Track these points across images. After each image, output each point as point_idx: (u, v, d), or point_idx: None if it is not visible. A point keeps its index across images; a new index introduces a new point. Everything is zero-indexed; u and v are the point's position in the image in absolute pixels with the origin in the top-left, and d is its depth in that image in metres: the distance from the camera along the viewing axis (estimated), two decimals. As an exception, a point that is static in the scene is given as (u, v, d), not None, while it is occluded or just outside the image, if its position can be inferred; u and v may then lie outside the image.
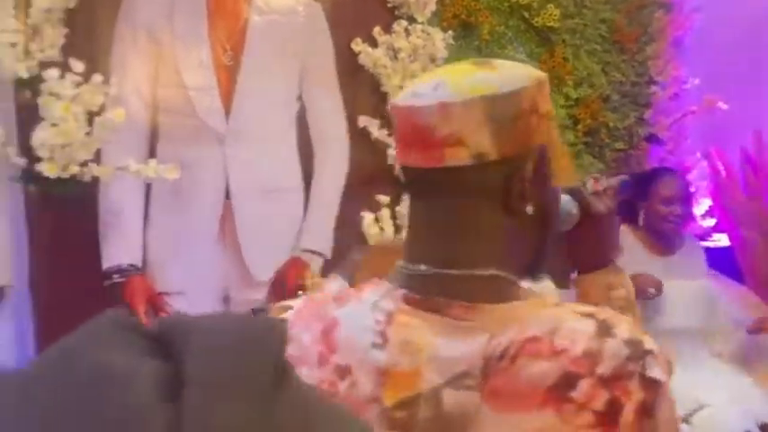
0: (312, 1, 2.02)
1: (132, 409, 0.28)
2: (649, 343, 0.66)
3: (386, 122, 2.18)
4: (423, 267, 0.70)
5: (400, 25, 2.22)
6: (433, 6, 2.28)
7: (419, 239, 0.73)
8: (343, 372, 0.69)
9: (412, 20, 2.25)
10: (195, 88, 1.86)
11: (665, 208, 2.28)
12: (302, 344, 0.72)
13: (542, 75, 0.73)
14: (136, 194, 1.86)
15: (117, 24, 1.86)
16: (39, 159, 1.69)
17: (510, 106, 0.69)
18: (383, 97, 2.21)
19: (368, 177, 2.12)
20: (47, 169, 1.69)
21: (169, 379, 0.29)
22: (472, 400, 0.65)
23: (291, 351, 0.67)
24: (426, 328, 0.68)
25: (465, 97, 0.68)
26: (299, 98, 2.04)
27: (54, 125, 1.68)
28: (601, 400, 0.63)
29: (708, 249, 2.49)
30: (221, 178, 1.89)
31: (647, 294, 2.13)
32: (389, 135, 2.18)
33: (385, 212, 2.14)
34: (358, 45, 2.17)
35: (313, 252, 1.99)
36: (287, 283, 1.93)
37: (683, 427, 2.00)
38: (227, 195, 1.89)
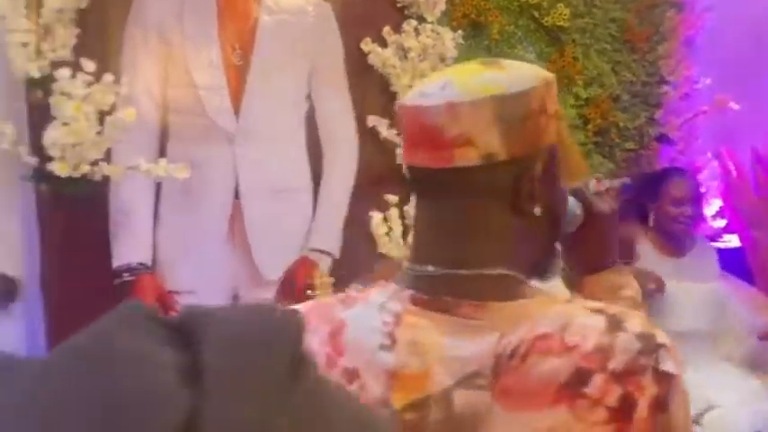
0: (322, 1, 2.03)
1: (152, 393, 0.28)
2: (661, 336, 0.66)
3: (395, 122, 2.18)
4: (430, 268, 0.70)
5: (410, 25, 2.22)
6: (442, 6, 2.28)
7: (426, 240, 0.72)
8: (352, 375, 0.69)
9: (421, 19, 2.25)
10: (205, 88, 1.87)
11: (675, 209, 2.27)
12: (310, 347, 0.72)
13: (550, 75, 0.73)
14: (146, 194, 1.87)
15: (128, 25, 1.87)
16: (50, 158, 1.71)
17: (519, 106, 0.68)
18: (392, 97, 2.21)
19: (377, 177, 2.12)
20: (58, 168, 1.70)
21: (188, 367, 0.29)
22: (483, 400, 0.64)
23: None
24: (434, 329, 0.68)
25: (474, 97, 0.68)
26: (309, 98, 2.04)
27: (65, 124, 1.69)
28: (614, 395, 0.62)
29: (718, 250, 2.47)
30: (231, 178, 1.89)
31: (646, 291, 2.12)
32: (398, 135, 2.18)
33: (393, 212, 2.14)
34: (367, 45, 2.17)
35: (322, 251, 2.00)
36: (296, 283, 1.94)
37: (694, 427, 1.99)
38: (237, 195, 1.90)
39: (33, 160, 1.73)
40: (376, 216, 2.14)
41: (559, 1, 2.75)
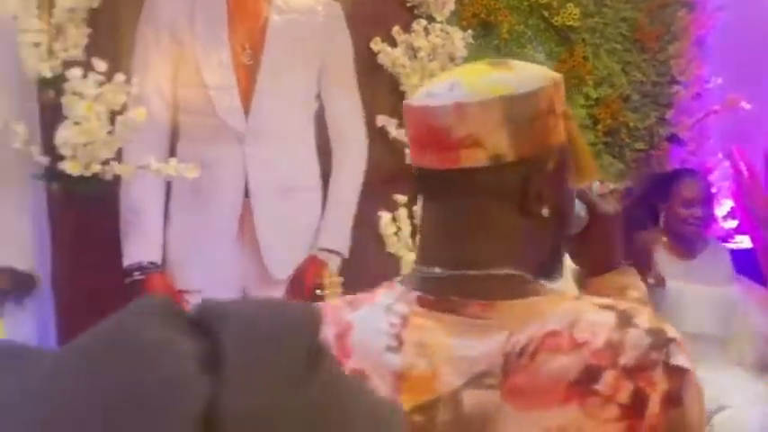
0: (332, 0, 2.03)
1: (173, 381, 0.29)
2: (671, 331, 0.65)
3: (404, 122, 2.18)
4: (437, 270, 0.69)
5: (419, 24, 2.22)
6: (452, 5, 2.28)
7: (433, 242, 0.72)
8: (359, 377, 0.69)
9: (431, 19, 2.25)
10: (215, 88, 1.87)
11: (685, 210, 2.26)
12: (326, 340, 0.72)
13: (558, 75, 0.72)
14: (156, 193, 1.88)
15: (139, 24, 1.88)
16: (62, 158, 1.72)
17: (528, 107, 0.68)
18: (402, 97, 2.21)
19: (386, 177, 2.12)
20: (69, 167, 1.71)
21: (207, 356, 0.30)
22: (493, 400, 0.64)
23: None
24: (442, 330, 0.68)
25: (482, 97, 0.67)
26: (318, 97, 2.04)
27: (77, 124, 1.70)
28: (625, 391, 0.62)
29: (730, 251, 2.45)
30: (240, 177, 1.90)
31: (647, 286, 2.11)
32: (407, 135, 2.18)
33: (402, 212, 2.14)
34: (377, 44, 2.17)
35: (331, 251, 2.00)
36: (305, 282, 1.94)
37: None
38: (246, 194, 1.91)
39: (45, 159, 1.74)
40: (385, 216, 2.14)
41: (569, 0, 2.74)
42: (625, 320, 0.65)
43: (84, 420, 0.28)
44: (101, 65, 1.73)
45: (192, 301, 1.87)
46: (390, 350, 0.68)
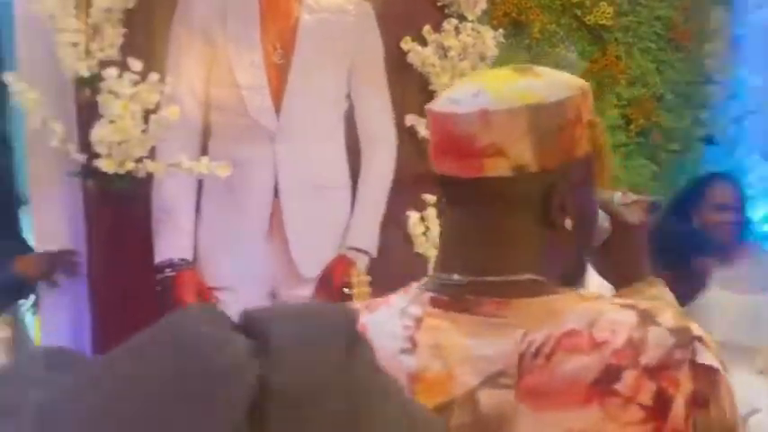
0: (362, 0, 2.04)
1: (227, 363, 0.32)
2: (697, 329, 0.63)
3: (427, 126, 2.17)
4: (456, 277, 0.69)
5: (450, 24, 2.21)
6: (483, 5, 2.26)
7: (453, 249, 0.71)
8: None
9: (462, 18, 2.24)
10: (247, 87, 1.89)
11: (718, 215, 2.21)
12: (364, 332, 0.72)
13: (585, 84, 0.71)
14: (188, 191, 1.91)
15: (173, 25, 1.91)
16: (97, 156, 1.75)
17: (555, 116, 0.67)
18: (431, 96, 2.21)
19: (414, 176, 2.12)
20: (104, 165, 1.75)
21: (254, 347, 0.33)
22: (508, 400, 0.63)
23: None
24: (456, 330, 0.67)
25: (509, 106, 0.66)
26: (348, 96, 2.05)
27: (112, 122, 1.73)
28: (648, 392, 0.60)
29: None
30: (271, 176, 1.91)
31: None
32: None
33: (431, 212, 2.14)
34: (407, 43, 2.17)
35: (359, 250, 2.01)
36: (333, 281, 1.95)
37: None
38: (277, 193, 1.92)
39: (81, 157, 1.78)
40: (413, 216, 2.14)
41: (603, -1, 2.71)
42: (647, 319, 0.63)
43: (145, 404, 0.31)
44: (136, 64, 1.76)
45: (223, 299, 1.89)
46: (405, 352, 0.68)
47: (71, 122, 1.81)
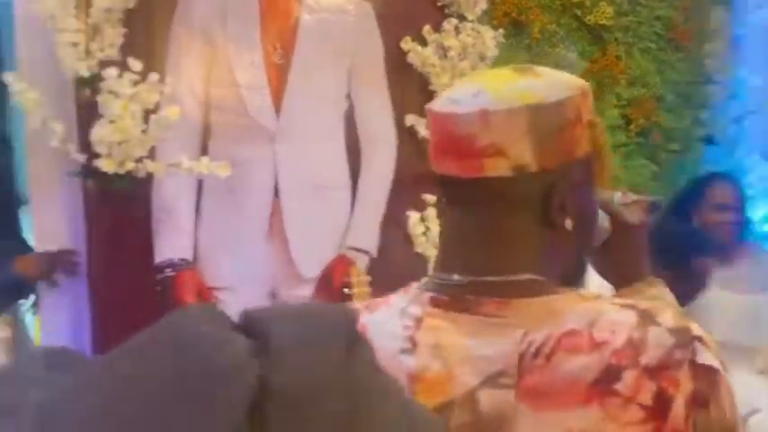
0: (362, 0, 2.04)
1: (228, 363, 0.32)
2: (697, 329, 0.63)
3: (427, 126, 2.17)
4: (456, 277, 0.69)
5: (450, 24, 2.21)
6: (483, 5, 2.26)
7: (453, 249, 0.71)
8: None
9: (462, 18, 2.24)
10: (247, 87, 1.89)
11: (717, 215, 2.21)
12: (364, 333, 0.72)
13: (586, 84, 0.71)
14: (188, 191, 1.91)
15: (173, 25, 1.91)
16: (97, 155, 1.75)
17: (555, 116, 0.67)
18: (431, 96, 2.20)
19: (415, 176, 2.12)
20: (104, 165, 1.75)
21: (254, 347, 0.33)
22: (508, 400, 0.63)
23: None
24: (456, 330, 0.67)
25: (508, 106, 0.66)
26: (348, 96, 2.05)
27: (112, 122, 1.73)
28: (648, 392, 0.60)
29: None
30: (271, 176, 1.91)
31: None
32: (437, 134, 2.17)
33: (431, 212, 2.14)
34: (407, 44, 2.17)
35: (359, 250, 2.01)
36: (333, 281, 1.95)
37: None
38: (276, 193, 1.92)
39: (81, 157, 1.78)
40: (413, 215, 2.14)
41: (602, -1, 2.71)
42: (647, 319, 0.63)
43: (145, 404, 0.31)
44: (136, 64, 1.76)
45: (223, 299, 1.89)
46: (405, 352, 0.68)
47: (71, 122, 1.81)
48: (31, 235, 2.03)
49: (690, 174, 2.71)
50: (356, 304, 0.78)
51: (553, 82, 0.69)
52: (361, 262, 2.00)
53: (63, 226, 1.91)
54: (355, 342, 0.36)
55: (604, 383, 0.61)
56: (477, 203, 0.68)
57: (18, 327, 2.16)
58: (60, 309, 1.93)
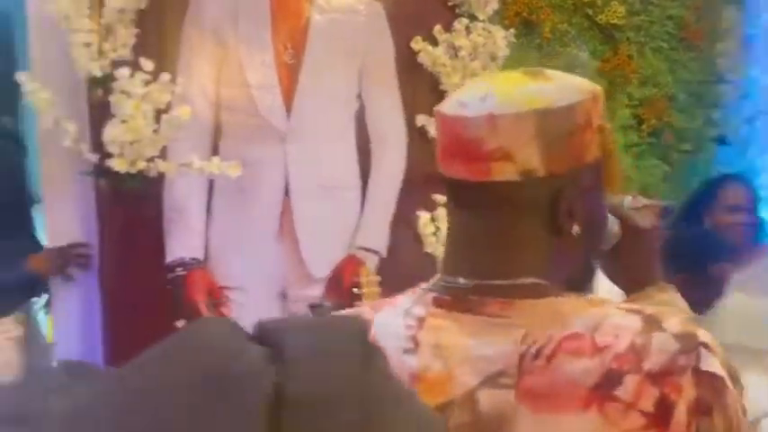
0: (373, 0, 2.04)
1: (245, 370, 0.32)
2: (704, 335, 0.63)
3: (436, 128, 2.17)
4: (461, 280, 0.68)
5: (461, 23, 2.20)
6: (494, 4, 2.26)
7: (459, 253, 0.71)
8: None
9: (473, 18, 2.23)
10: (258, 87, 1.90)
11: (730, 217, 2.20)
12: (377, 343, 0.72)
13: (598, 87, 0.70)
14: (199, 191, 1.91)
15: (184, 25, 1.91)
16: (109, 155, 1.76)
17: (564, 121, 0.66)
18: (442, 96, 2.20)
19: (425, 176, 2.12)
20: (116, 165, 1.76)
21: (270, 355, 0.34)
22: (508, 400, 0.63)
23: None
24: (458, 330, 0.67)
25: (516, 110, 0.65)
26: (359, 96, 2.05)
27: (124, 122, 1.74)
28: (649, 398, 0.60)
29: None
30: (281, 176, 1.92)
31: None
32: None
33: (441, 212, 2.14)
34: (418, 43, 2.17)
35: (369, 250, 2.01)
36: (343, 281, 1.95)
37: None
38: (287, 193, 1.93)
39: (94, 157, 1.79)
40: (423, 215, 2.14)
41: (614, -2, 2.70)
42: (652, 324, 0.63)
43: (162, 413, 0.31)
44: (148, 64, 1.76)
45: (233, 298, 1.90)
46: (407, 352, 0.68)
47: (83, 122, 1.82)
48: (43, 234, 2.05)
49: (702, 174, 2.70)
50: (363, 304, 0.78)
51: (564, 86, 0.68)
52: (371, 262, 2.00)
53: (75, 225, 1.92)
54: (368, 351, 0.36)
55: (605, 388, 0.61)
56: (484, 207, 0.68)
57: (31, 325, 2.17)
58: (72, 307, 1.95)
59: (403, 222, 2.10)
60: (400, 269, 1.96)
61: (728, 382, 0.62)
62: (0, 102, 2.06)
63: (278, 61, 1.92)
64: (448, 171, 0.70)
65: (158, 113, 1.78)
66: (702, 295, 1.80)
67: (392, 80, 2.09)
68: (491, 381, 0.64)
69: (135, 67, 1.76)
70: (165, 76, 1.77)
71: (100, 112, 1.79)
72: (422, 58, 2.17)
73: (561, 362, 0.62)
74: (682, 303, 0.83)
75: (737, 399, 0.62)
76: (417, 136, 2.16)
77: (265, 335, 0.34)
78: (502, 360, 0.64)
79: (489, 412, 0.63)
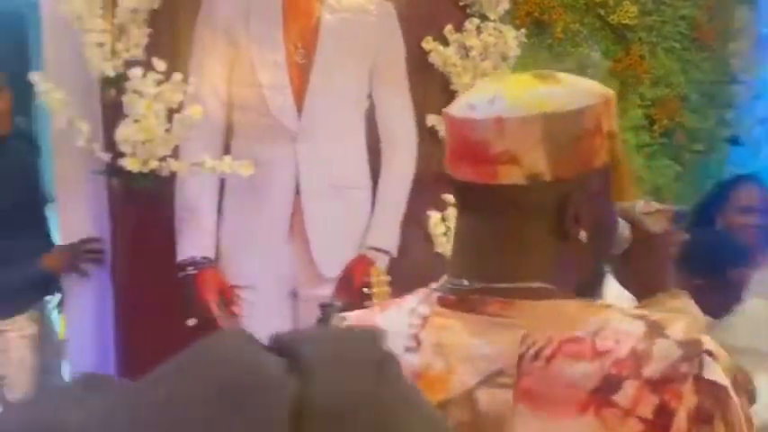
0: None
1: (265, 380, 0.33)
2: (709, 343, 0.62)
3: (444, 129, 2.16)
4: (465, 283, 0.68)
5: (472, 23, 2.20)
6: (505, 4, 2.25)
7: (465, 255, 0.71)
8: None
9: (484, 18, 2.23)
10: (269, 87, 1.90)
11: (742, 218, 2.18)
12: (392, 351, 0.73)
13: (610, 92, 0.69)
14: (211, 190, 1.92)
15: (196, 25, 1.92)
16: (122, 154, 1.77)
17: (572, 125, 0.65)
18: (453, 96, 2.20)
19: (435, 176, 2.12)
20: (129, 164, 1.77)
21: (288, 365, 0.34)
22: (506, 399, 0.63)
23: None
24: (460, 329, 0.67)
25: (524, 113, 0.65)
26: (369, 96, 2.05)
27: (136, 122, 1.75)
28: (648, 405, 0.59)
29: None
30: (292, 175, 1.92)
31: None
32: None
33: (451, 212, 2.14)
34: (429, 43, 2.17)
35: (379, 250, 2.01)
36: (353, 281, 1.96)
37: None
38: (298, 192, 1.93)
39: (106, 156, 1.80)
40: (434, 215, 2.13)
41: (626, -2, 2.69)
42: (655, 330, 0.62)
43: (178, 423, 0.31)
44: (160, 64, 1.77)
45: (244, 297, 1.91)
46: (409, 351, 0.68)
47: (96, 122, 1.83)
48: (56, 233, 2.06)
49: (714, 175, 2.68)
50: (373, 304, 0.79)
51: (574, 90, 0.67)
52: (382, 262, 2.00)
53: (88, 224, 1.93)
54: (384, 359, 0.36)
55: (603, 393, 0.60)
56: (491, 210, 0.68)
57: (44, 323, 2.19)
58: (85, 306, 1.96)
59: (413, 222, 2.10)
60: (411, 269, 1.96)
61: (731, 392, 0.61)
62: (14, 102, 2.07)
63: (289, 61, 1.92)
64: (456, 173, 0.70)
65: (170, 113, 1.79)
66: (721, 300, 1.78)
67: (403, 80, 2.09)
68: (490, 380, 0.64)
69: (147, 66, 1.77)
70: (178, 76, 1.78)
71: (113, 112, 1.80)
72: (433, 58, 2.17)
73: (560, 364, 0.62)
74: (695, 310, 0.82)
75: (742, 408, 0.61)
76: (428, 136, 2.16)
77: (281, 346, 0.35)
78: (501, 359, 0.64)
79: (488, 411, 0.64)
